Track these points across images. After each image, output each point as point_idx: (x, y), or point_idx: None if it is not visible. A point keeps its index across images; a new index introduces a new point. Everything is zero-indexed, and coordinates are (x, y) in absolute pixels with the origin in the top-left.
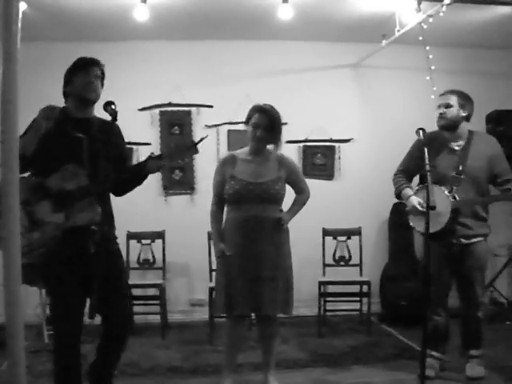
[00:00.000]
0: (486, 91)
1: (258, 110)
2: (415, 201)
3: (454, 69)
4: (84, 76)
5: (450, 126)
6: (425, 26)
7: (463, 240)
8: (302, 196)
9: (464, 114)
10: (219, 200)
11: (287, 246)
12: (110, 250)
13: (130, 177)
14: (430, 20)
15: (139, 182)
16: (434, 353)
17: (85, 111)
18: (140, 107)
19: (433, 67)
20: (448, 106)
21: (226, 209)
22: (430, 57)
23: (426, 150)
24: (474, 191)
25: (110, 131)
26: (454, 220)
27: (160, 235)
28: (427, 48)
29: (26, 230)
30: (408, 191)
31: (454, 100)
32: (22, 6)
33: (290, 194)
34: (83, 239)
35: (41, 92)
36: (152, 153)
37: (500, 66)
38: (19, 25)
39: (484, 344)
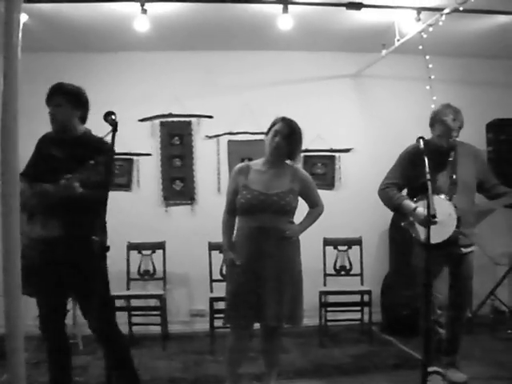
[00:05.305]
0: (486, 100)
1: (281, 120)
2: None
3: (453, 78)
4: (48, 110)
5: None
6: (424, 36)
7: (463, 249)
8: (315, 210)
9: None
10: (231, 209)
11: (296, 257)
12: (79, 262)
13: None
14: (430, 29)
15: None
16: (439, 369)
17: (64, 133)
18: (140, 118)
19: (433, 76)
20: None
21: (237, 219)
22: (430, 66)
23: (426, 158)
24: (468, 199)
25: (86, 146)
26: (458, 229)
27: (160, 246)
28: (427, 57)
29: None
30: (410, 203)
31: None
32: (23, 18)
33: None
34: (48, 249)
35: (41, 102)
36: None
37: (500, 75)
38: (20, 36)
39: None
